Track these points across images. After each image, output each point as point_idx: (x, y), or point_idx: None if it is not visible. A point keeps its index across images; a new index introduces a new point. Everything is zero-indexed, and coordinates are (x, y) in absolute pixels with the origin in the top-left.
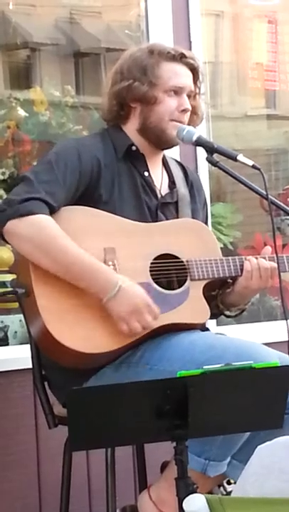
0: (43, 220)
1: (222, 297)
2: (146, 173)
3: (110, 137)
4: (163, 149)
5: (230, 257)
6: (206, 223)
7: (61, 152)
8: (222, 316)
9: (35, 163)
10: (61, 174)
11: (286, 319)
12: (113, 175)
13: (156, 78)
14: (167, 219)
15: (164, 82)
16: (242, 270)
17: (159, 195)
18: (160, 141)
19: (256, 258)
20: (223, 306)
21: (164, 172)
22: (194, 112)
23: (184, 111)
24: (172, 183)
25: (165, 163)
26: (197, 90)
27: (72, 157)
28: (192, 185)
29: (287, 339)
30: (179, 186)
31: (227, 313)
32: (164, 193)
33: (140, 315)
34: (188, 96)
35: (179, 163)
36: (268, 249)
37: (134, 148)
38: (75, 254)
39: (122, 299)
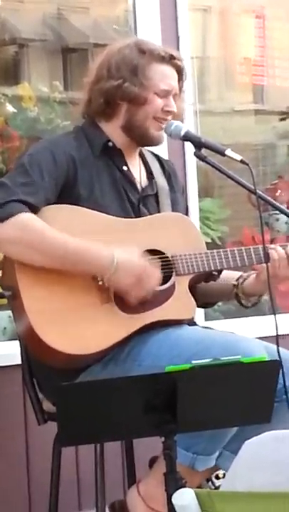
0: (24, 218)
1: (243, 286)
2: (124, 168)
3: (85, 135)
4: (144, 146)
5: (214, 250)
6: (186, 209)
7: (34, 154)
8: (209, 311)
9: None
10: (36, 175)
11: (274, 314)
12: (91, 172)
13: (146, 80)
14: (149, 212)
15: (154, 85)
16: (229, 262)
17: (139, 189)
18: (143, 139)
19: (283, 247)
20: (243, 296)
21: (142, 164)
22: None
23: (169, 112)
24: (150, 174)
25: (142, 155)
26: (179, 91)
27: (45, 157)
28: (169, 175)
29: (275, 334)
30: (157, 177)
31: (247, 303)
32: (144, 186)
33: (143, 282)
34: (173, 96)
35: (154, 154)
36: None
37: (110, 144)
38: (65, 243)
39: (122, 272)
